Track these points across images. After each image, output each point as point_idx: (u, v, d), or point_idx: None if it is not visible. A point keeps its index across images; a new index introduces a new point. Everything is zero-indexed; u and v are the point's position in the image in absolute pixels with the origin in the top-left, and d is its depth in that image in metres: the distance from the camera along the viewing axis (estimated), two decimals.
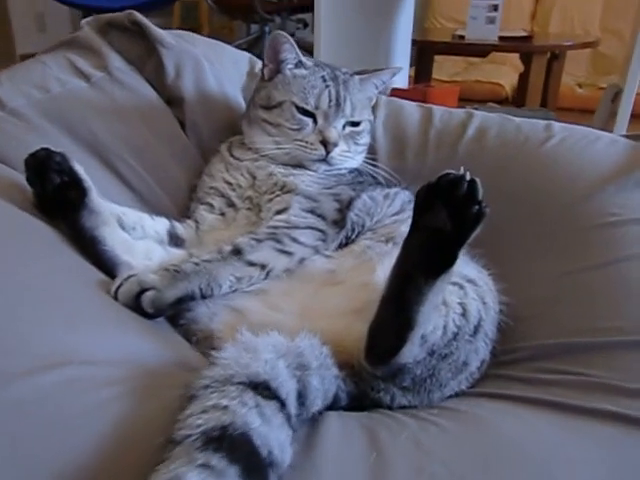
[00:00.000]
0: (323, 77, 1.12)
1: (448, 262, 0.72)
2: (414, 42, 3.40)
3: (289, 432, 0.59)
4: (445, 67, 4.95)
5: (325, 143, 1.09)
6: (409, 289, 0.71)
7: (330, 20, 2.37)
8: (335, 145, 1.09)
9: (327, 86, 1.11)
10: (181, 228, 1.06)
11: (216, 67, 1.31)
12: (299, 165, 1.11)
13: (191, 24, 4.82)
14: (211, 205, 1.10)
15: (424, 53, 3.93)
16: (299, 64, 1.13)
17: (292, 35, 3.72)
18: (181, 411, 0.56)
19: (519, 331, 0.90)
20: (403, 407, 0.77)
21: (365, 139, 1.18)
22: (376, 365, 0.74)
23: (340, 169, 1.15)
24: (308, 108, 1.09)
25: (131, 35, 1.27)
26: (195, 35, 1.38)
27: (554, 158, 1.20)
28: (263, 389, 0.60)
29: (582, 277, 0.95)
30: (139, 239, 0.98)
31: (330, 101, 1.10)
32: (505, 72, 4.85)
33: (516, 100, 4.21)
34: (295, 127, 1.09)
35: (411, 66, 3.91)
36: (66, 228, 0.86)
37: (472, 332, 0.82)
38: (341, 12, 2.45)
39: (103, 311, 0.72)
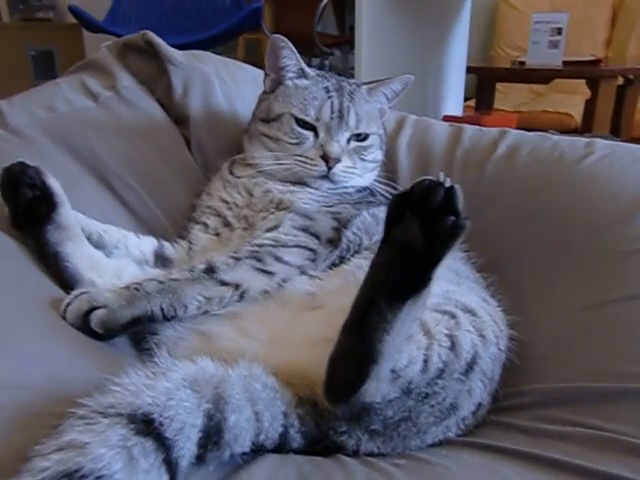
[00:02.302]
0: (326, 88, 1.05)
1: (418, 285, 0.61)
2: (470, 69, 3.29)
3: (163, 477, 0.50)
4: (510, 97, 4.76)
5: (326, 158, 1.01)
6: (371, 315, 0.61)
7: (372, 45, 2.31)
8: (337, 160, 1.01)
9: (330, 97, 1.04)
10: (170, 248, 1.01)
11: (228, 85, 1.28)
12: (300, 182, 1.04)
13: (254, 59, 4.95)
14: (206, 225, 1.05)
15: (484, 81, 3.80)
16: (301, 73, 1.07)
17: (352, 69, 3.73)
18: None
19: (528, 372, 0.77)
20: (371, 454, 0.65)
21: (374, 155, 1.09)
22: (336, 402, 0.63)
23: (346, 187, 1.06)
24: (308, 120, 1.02)
25: (146, 55, 1.27)
26: (211, 54, 1.37)
27: (591, 176, 1.06)
28: (142, 423, 0.52)
29: (609, 311, 0.80)
30: (122, 257, 0.94)
31: (332, 113, 1.03)
32: (575, 102, 4.59)
33: (582, 129, 3.96)
34: (294, 141, 1.03)
35: (471, 97, 3.79)
36: (32, 243, 0.83)
37: (464, 370, 0.69)
38: (384, 37, 2.38)
39: (35, 330, 0.66)
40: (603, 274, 0.87)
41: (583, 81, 4.23)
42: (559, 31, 3.40)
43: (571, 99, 4.67)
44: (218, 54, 1.42)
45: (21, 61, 4.74)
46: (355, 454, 0.65)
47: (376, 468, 0.59)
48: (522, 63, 3.49)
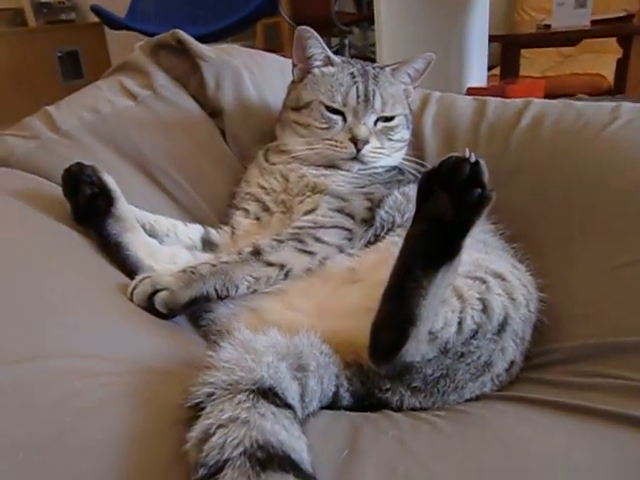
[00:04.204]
0: (352, 73, 1.10)
1: (450, 253, 0.66)
2: (493, 38, 3.24)
3: (306, 441, 0.56)
4: (537, 62, 4.63)
5: (355, 141, 1.06)
6: (408, 282, 0.67)
7: (391, 20, 2.31)
8: (365, 142, 1.07)
9: (355, 82, 1.09)
10: (215, 234, 1.09)
11: (257, 76, 1.34)
12: (331, 165, 1.09)
13: (273, 44, 4.98)
14: (246, 210, 1.12)
15: (508, 49, 3.73)
16: (327, 61, 1.12)
17: (372, 45, 3.70)
18: (186, 423, 0.53)
19: (557, 331, 0.82)
20: (414, 409, 0.72)
21: (401, 134, 1.14)
22: (379, 363, 0.70)
23: (376, 167, 1.12)
24: (335, 106, 1.08)
25: (177, 53, 1.33)
26: (238, 47, 1.42)
27: (615, 141, 1.08)
28: (273, 396, 0.58)
29: (635, 270, 0.84)
30: (173, 245, 1.02)
31: (358, 97, 1.08)
32: (607, 61, 4.42)
33: (614, 90, 3.84)
34: (324, 126, 1.08)
35: (496, 65, 3.73)
36: (95, 236, 0.92)
37: (496, 330, 0.75)
38: (403, 11, 2.38)
39: (112, 310, 0.75)
40: (629, 235, 0.90)
41: (615, 39, 4.09)
42: None
43: (602, 59, 4.47)
44: (237, 40, 1.46)
45: (49, 62, 4.89)
46: (399, 409, 0.72)
47: (419, 418, 0.65)
48: (547, 26, 3.40)
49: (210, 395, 0.56)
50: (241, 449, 0.50)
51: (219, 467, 0.49)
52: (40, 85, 4.67)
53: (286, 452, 0.51)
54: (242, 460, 0.49)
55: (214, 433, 0.51)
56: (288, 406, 0.58)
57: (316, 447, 0.55)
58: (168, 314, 0.81)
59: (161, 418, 0.55)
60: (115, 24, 3.81)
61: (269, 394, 0.57)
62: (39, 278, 0.72)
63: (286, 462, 0.51)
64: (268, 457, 0.50)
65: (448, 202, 0.66)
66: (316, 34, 1.10)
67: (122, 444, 0.51)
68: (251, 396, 0.56)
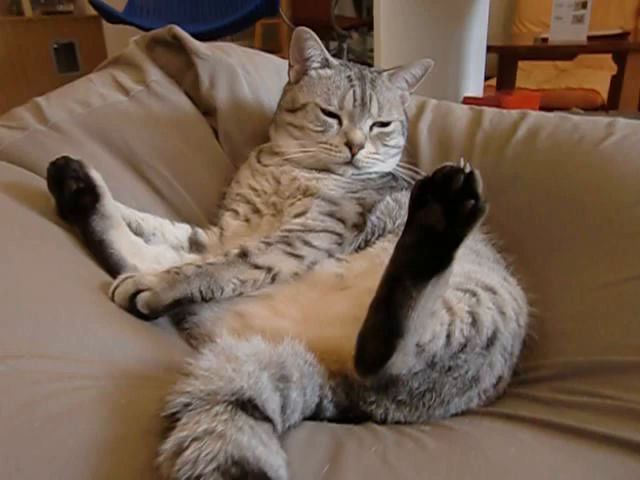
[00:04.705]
0: (349, 77, 1.09)
1: (441, 265, 0.65)
2: (491, 49, 3.25)
3: (284, 456, 0.54)
4: (533, 75, 4.67)
5: (350, 145, 1.05)
6: (397, 293, 0.65)
7: (390, 26, 2.30)
8: (360, 147, 1.05)
9: (352, 86, 1.07)
10: (203, 235, 1.07)
11: (252, 76, 1.32)
12: (325, 169, 1.08)
13: (272, 45, 4.96)
14: (236, 212, 1.10)
15: (506, 60, 3.74)
16: (325, 63, 1.10)
17: (371, 51, 3.70)
18: (161, 433, 0.51)
19: (547, 347, 0.80)
20: (398, 422, 0.70)
21: (396, 140, 1.13)
22: (365, 374, 0.68)
23: (369, 173, 1.10)
24: (332, 109, 1.06)
25: (173, 49, 1.32)
26: (235, 46, 1.40)
27: (611, 156, 1.07)
28: (252, 408, 0.55)
29: (627, 288, 0.83)
30: (160, 244, 1.00)
31: (355, 101, 1.06)
32: (601, 77, 4.47)
33: (607, 106, 3.87)
34: (319, 129, 1.06)
35: (492, 76, 3.74)
36: (79, 232, 0.89)
37: (485, 345, 0.73)
38: (402, 17, 2.37)
39: (91, 310, 0.72)
40: (622, 252, 0.89)
41: (609, 55, 4.12)
42: (584, 5, 3.31)
43: (597, 75, 4.54)
44: (236, 40, 1.45)
45: (44, 54, 4.83)
46: (383, 422, 0.70)
47: (403, 433, 0.64)
48: (545, 40, 3.43)
49: (187, 405, 0.54)
50: (215, 464, 0.48)
51: None
52: (34, 76, 4.61)
53: (262, 469, 0.49)
54: (215, 476, 0.47)
55: (188, 447, 0.49)
56: (267, 419, 0.56)
57: (296, 461, 0.53)
58: (150, 316, 0.79)
59: (135, 427, 0.53)
60: (113, 18, 3.77)
61: (248, 406, 0.55)
62: (14, 275, 0.70)
63: None
64: (242, 474, 0.48)
65: (441, 212, 0.64)
66: (314, 35, 1.08)
67: (92, 453, 0.48)
68: (229, 408, 0.54)
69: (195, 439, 0.50)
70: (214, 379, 0.57)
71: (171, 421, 0.52)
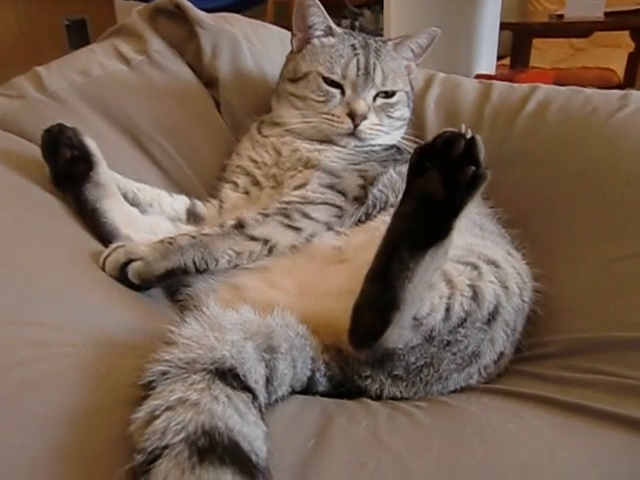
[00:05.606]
0: (353, 45, 1.05)
1: (440, 234, 0.62)
2: (504, 25, 3.16)
3: (264, 428, 0.52)
4: (548, 54, 4.56)
5: (353, 116, 1.01)
6: (394, 263, 0.63)
7: (401, 3, 2.25)
8: (363, 118, 1.02)
9: (356, 54, 1.03)
10: (202, 207, 1.05)
11: (256, 46, 1.29)
12: (327, 140, 1.05)
13: (284, 22, 4.89)
14: (236, 184, 1.08)
15: (520, 37, 3.65)
16: (328, 31, 1.07)
17: (382, 29, 3.64)
18: (135, 403, 0.49)
19: (552, 323, 0.78)
20: (394, 398, 0.68)
21: (401, 112, 1.09)
22: (359, 348, 0.66)
23: (373, 145, 1.07)
24: (334, 78, 1.03)
25: (175, 19, 1.28)
26: (239, 16, 1.37)
27: (624, 129, 1.03)
28: (232, 378, 0.53)
29: (635, 263, 0.80)
30: (156, 215, 0.98)
31: (359, 70, 1.02)
32: (618, 55, 4.35)
33: (624, 84, 3.76)
34: (321, 99, 1.03)
35: (506, 55, 3.65)
36: (72, 201, 0.87)
37: (486, 319, 0.71)
38: None
39: (79, 279, 0.71)
40: (631, 228, 0.86)
41: (627, 33, 4.01)
42: None
43: (614, 53, 4.42)
44: (247, 17, 1.42)
45: (56, 30, 4.80)
46: (378, 398, 0.68)
47: (397, 409, 0.62)
48: (560, 17, 3.34)
49: (164, 374, 0.52)
50: (183, 435, 0.46)
51: (157, 455, 0.45)
52: (46, 53, 4.56)
53: (234, 439, 0.47)
54: (181, 448, 0.45)
55: (159, 416, 0.47)
56: (248, 389, 0.54)
57: (282, 434, 0.52)
58: (141, 286, 0.77)
59: (113, 395, 0.51)
60: None
61: (227, 375, 0.53)
62: (2, 242, 0.68)
63: (230, 452, 0.46)
64: (211, 445, 0.45)
65: (440, 180, 0.62)
66: (318, 2, 1.04)
67: (64, 422, 0.46)
68: (207, 377, 0.52)
69: (168, 408, 0.48)
70: (194, 347, 0.55)
71: (147, 390, 0.51)
